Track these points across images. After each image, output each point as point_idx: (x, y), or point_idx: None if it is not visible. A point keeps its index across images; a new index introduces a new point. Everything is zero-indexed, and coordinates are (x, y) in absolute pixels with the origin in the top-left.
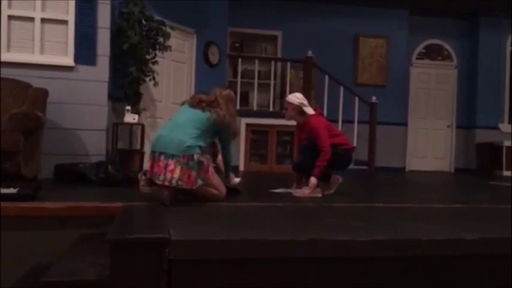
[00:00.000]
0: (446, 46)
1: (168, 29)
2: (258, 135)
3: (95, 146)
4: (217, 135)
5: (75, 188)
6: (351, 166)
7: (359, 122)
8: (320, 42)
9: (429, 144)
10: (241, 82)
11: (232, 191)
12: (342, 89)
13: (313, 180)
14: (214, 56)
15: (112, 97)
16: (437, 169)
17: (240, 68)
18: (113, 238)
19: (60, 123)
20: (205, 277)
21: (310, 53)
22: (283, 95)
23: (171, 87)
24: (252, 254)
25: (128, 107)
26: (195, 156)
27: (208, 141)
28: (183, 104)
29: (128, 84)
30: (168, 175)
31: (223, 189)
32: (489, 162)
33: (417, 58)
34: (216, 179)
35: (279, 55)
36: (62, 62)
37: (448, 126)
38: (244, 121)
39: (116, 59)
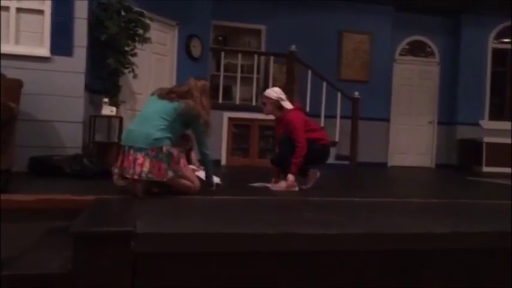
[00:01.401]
0: (430, 43)
1: (147, 21)
2: (240, 129)
3: (71, 138)
4: (189, 127)
5: (49, 181)
6: (333, 161)
7: (342, 117)
8: (304, 37)
9: (411, 140)
10: (224, 76)
11: (208, 184)
12: (324, 84)
13: (290, 177)
14: (196, 49)
15: (90, 89)
16: (418, 165)
17: (222, 62)
18: (76, 231)
19: (36, 115)
20: (171, 271)
21: (293, 48)
22: (266, 89)
23: (151, 80)
24: (220, 247)
25: (106, 99)
26: (164, 148)
27: (178, 132)
28: (152, 95)
29: (106, 76)
30: (137, 169)
31: (196, 182)
32: (469, 159)
33: (400, 54)
34: (188, 171)
35: (263, 49)
36: (37, 52)
37: (430, 123)
38: (226, 115)
39: (94, 50)
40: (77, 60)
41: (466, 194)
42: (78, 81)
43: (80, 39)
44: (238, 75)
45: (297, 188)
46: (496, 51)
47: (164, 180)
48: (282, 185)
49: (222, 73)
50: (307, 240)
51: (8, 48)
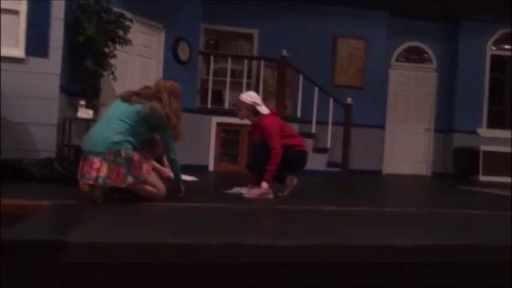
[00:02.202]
0: (427, 49)
1: (127, 22)
2: (229, 134)
3: (44, 142)
4: (155, 131)
5: (13, 185)
6: (324, 168)
7: (334, 124)
8: (298, 42)
9: (407, 147)
10: (215, 80)
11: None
12: (316, 89)
13: (264, 185)
14: (184, 52)
15: (68, 91)
16: (415, 173)
17: (212, 66)
18: (3, 239)
19: (9, 117)
20: (102, 282)
21: (285, 53)
22: (259, 94)
23: (136, 83)
24: (157, 258)
25: (82, 102)
26: (123, 153)
27: (143, 136)
28: (116, 98)
29: (84, 78)
30: (93, 173)
31: (161, 188)
32: (466, 167)
33: (397, 60)
34: (152, 177)
35: (255, 54)
36: (12, 53)
37: (427, 130)
38: (215, 120)
39: (72, 51)
40: (53, 61)
41: (448, 204)
42: (53, 83)
43: (56, 40)
44: (228, 79)
45: (271, 196)
46: (494, 58)
47: (123, 186)
48: (255, 192)
49: (211, 77)
50: (251, 252)
51: None
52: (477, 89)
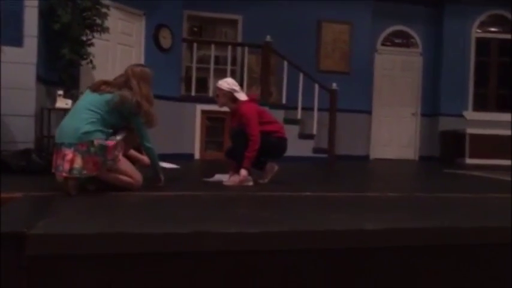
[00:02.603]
0: (412, 33)
1: (104, 9)
2: (214, 122)
3: (22, 133)
4: (127, 120)
5: None
6: (310, 154)
7: (320, 110)
8: (282, 27)
9: (394, 132)
10: (200, 68)
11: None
12: (301, 75)
13: (243, 172)
14: (166, 39)
15: (46, 81)
16: (402, 157)
17: (195, 53)
18: None
19: None
20: (67, 274)
21: (268, 38)
22: (243, 81)
23: (116, 72)
24: (123, 248)
25: (60, 92)
26: (96, 142)
27: (115, 126)
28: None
29: (61, 67)
30: (66, 165)
31: (138, 177)
32: (453, 150)
33: (382, 45)
34: (127, 166)
35: (240, 40)
36: None
37: (413, 114)
38: (199, 107)
39: (48, 40)
40: (28, 50)
41: (425, 187)
42: (29, 73)
43: (30, 28)
44: (212, 66)
45: (251, 183)
46: (479, 41)
47: (99, 174)
48: (235, 179)
49: (194, 65)
50: (219, 240)
51: None
52: (462, 72)
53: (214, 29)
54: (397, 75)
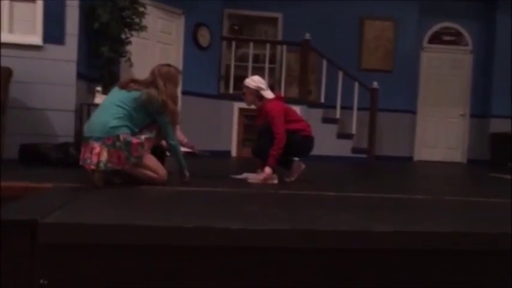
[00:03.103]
0: (461, 29)
1: (141, 8)
2: (251, 120)
3: (63, 127)
4: (153, 118)
5: (30, 168)
6: (348, 154)
7: (361, 109)
8: (323, 25)
9: (440, 133)
10: (238, 66)
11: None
12: (340, 74)
13: (267, 170)
14: (204, 38)
15: (87, 78)
16: (448, 159)
17: (233, 51)
18: None
19: (28, 103)
20: (75, 263)
21: (307, 36)
22: (282, 79)
23: None
24: (129, 240)
25: (99, 88)
26: (121, 137)
27: (141, 122)
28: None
29: (101, 65)
30: (94, 158)
31: (162, 172)
32: (503, 154)
33: (429, 42)
34: (150, 160)
35: (280, 38)
36: (30, 41)
37: (462, 115)
38: (237, 105)
39: (89, 38)
40: (69, 48)
41: (456, 190)
42: (70, 70)
43: (71, 27)
44: (250, 64)
45: (275, 181)
46: None
47: (126, 168)
48: (259, 177)
49: (233, 63)
50: (221, 235)
51: (2, 37)
52: None
53: (254, 27)
54: (444, 74)
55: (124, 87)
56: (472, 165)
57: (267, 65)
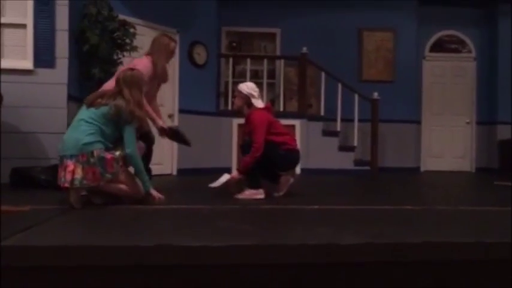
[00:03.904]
0: (463, 37)
1: (132, 29)
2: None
3: (55, 149)
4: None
5: (19, 192)
6: (351, 166)
7: (363, 120)
8: (322, 38)
9: (446, 142)
10: (238, 82)
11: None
12: (339, 85)
13: (234, 174)
14: (200, 56)
15: (79, 99)
16: (456, 169)
17: (231, 68)
18: None
19: (21, 127)
20: (34, 286)
21: (305, 50)
22: (284, 94)
23: None
24: (89, 261)
25: None
26: (95, 153)
27: (113, 135)
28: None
29: (92, 86)
30: (68, 176)
31: (138, 188)
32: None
33: (430, 51)
34: (127, 176)
35: (279, 53)
36: (21, 65)
37: (468, 123)
38: (236, 122)
39: (80, 60)
40: (60, 71)
41: (453, 199)
42: (61, 93)
43: (62, 50)
44: (248, 80)
45: (262, 196)
46: None
47: (101, 184)
48: (246, 192)
49: (230, 79)
50: (180, 253)
51: None
52: None
53: (253, 44)
54: (448, 82)
55: (91, 104)
56: (480, 173)
57: (265, 80)
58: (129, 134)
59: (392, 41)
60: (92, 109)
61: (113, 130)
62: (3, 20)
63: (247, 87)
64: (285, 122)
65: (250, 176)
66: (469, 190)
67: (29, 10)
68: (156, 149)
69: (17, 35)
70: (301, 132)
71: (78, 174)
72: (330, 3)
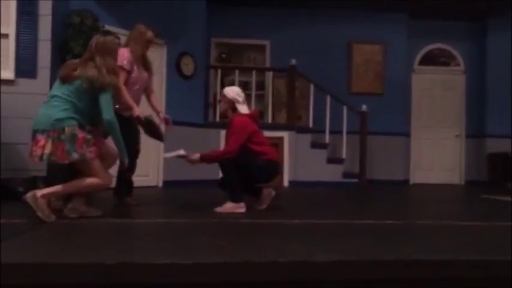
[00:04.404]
0: (452, 50)
1: (116, 40)
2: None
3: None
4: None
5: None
6: (340, 179)
7: (352, 133)
8: (311, 50)
9: (436, 155)
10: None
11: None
12: (328, 98)
13: (194, 156)
14: (188, 67)
15: None
16: (446, 182)
17: (219, 80)
18: None
19: (1, 138)
20: None
21: (293, 62)
22: (273, 106)
23: None
24: (49, 279)
25: None
26: (67, 129)
27: (88, 110)
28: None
29: None
30: (38, 151)
31: (106, 178)
32: (502, 174)
33: (420, 64)
34: (98, 165)
35: (268, 65)
36: (2, 76)
37: (457, 136)
38: (223, 132)
39: None
40: (41, 81)
41: (433, 214)
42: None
43: (43, 60)
44: None
45: (243, 209)
46: None
47: (67, 162)
48: (227, 206)
49: (218, 91)
50: (144, 271)
51: None
52: (509, 90)
53: (242, 55)
54: (437, 96)
55: (66, 79)
56: (469, 186)
57: (253, 92)
58: (105, 100)
59: (381, 53)
60: (67, 85)
61: (89, 104)
62: None
63: (232, 91)
64: (273, 134)
65: (232, 189)
66: (455, 204)
67: (12, 20)
68: (143, 160)
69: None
70: (289, 144)
71: (48, 149)
72: (320, 15)
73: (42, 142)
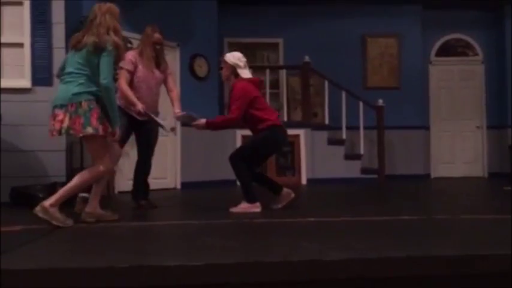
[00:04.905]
0: (470, 40)
1: (129, 44)
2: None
3: (54, 167)
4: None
5: (18, 211)
6: (358, 175)
7: (369, 128)
8: (325, 45)
9: (457, 147)
10: None
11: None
12: (343, 93)
13: (201, 121)
14: (201, 68)
15: None
16: (468, 175)
17: None
18: None
19: (20, 146)
20: None
21: (307, 58)
22: (288, 104)
23: None
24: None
25: None
26: (84, 103)
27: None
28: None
29: None
30: (57, 125)
31: (109, 162)
32: None
33: (436, 55)
34: (104, 142)
35: (282, 62)
36: (19, 84)
37: (478, 127)
38: (240, 133)
39: None
40: (57, 89)
41: (445, 207)
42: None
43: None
44: None
45: (258, 209)
46: None
47: (81, 135)
48: (242, 206)
49: None
50: (158, 273)
51: None
52: None
53: (256, 54)
54: (456, 87)
55: (76, 47)
56: (492, 179)
57: (268, 90)
58: (105, 63)
59: (396, 46)
60: (78, 53)
61: (98, 69)
62: (2, 40)
63: (233, 56)
64: (289, 131)
65: (244, 190)
66: (477, 197)
67: (26, 29)
68: (160, 162)
69: (15, 54)
70: (306, 142)
71: (66, 123)
72: (332, 10)
73: (60, 117)
